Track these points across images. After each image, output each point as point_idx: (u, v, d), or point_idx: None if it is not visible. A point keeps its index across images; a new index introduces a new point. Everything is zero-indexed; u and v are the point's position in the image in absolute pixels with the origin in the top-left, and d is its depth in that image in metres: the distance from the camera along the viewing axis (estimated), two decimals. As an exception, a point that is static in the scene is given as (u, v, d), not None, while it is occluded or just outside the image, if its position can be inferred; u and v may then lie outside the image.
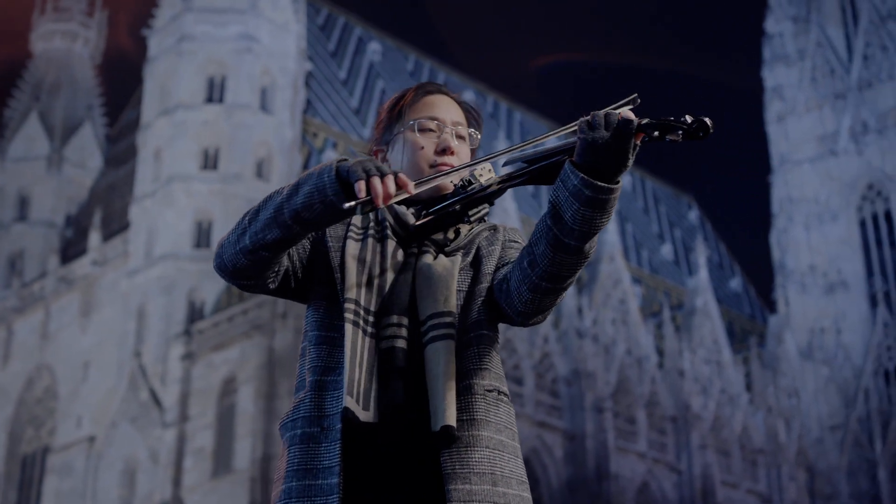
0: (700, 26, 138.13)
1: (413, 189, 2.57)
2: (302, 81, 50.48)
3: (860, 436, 58.12)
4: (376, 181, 2.52)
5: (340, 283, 2.74)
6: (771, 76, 67.99)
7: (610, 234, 52.01)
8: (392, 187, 2.52)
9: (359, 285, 2.73)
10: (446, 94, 2.99)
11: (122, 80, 50.63)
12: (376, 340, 2.71)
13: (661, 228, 69.12)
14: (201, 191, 45.48)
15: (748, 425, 52.79)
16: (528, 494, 2.70)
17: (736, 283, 70.94)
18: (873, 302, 62.14)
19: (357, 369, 2.65)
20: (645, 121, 2.48)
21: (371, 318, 2.72)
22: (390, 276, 2.77)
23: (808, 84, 67.08)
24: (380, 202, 2.51)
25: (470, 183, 2.79)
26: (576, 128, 2.54)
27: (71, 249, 52.39)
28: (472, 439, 2.64)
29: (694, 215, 74.21)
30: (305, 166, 49.54)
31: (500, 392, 2.74)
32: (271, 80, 48.26)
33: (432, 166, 2.88)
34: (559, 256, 2.56)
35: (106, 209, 51.70)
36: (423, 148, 2.89)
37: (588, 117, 2.50)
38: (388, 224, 2.84)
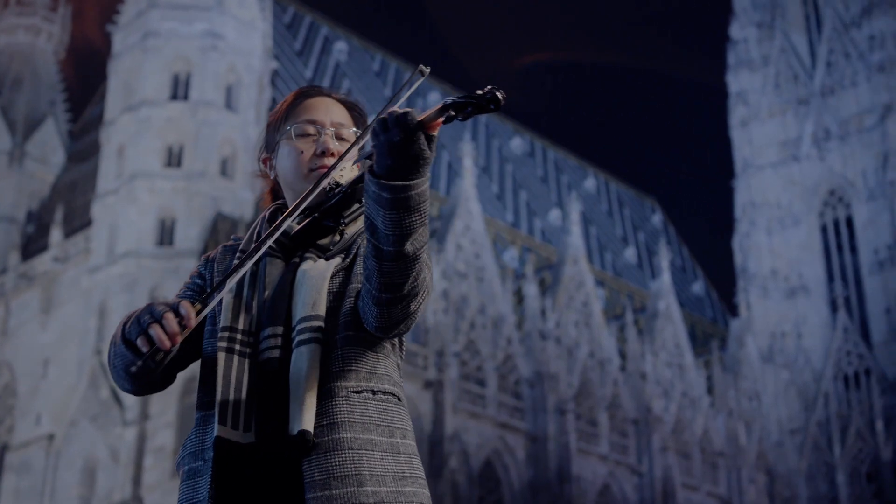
0: (668, 26, 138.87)
1: (193, 323, 2.54)
2: (268, 80, 50.30)
3: (819, 439, 58.61)
4: (155, 330, 2.51)
5: (220, 318, 2.75)
6: (735, 81, 68.46)
7: (574, 237, 52.18)
8: (174, 325, 2.51)
9: (235, 311, 2.73)
10: (328, 95, 2.97)
11: (92, 73, 50.31)
12: (255, 357, 2.70)
13: (624, 232, 69.40)
14: (165, 188, 45.22)
15: (709, 428, 53.10)
16: (412, 488, 2.64)
17: (698, 287, 71.33)
18: (833, 307, 62.67)
19: (233, 393, 2.64)
20: (440, 105, 2.44)
21: (250, 339, 2.71)
22: (269, 292, 2.75)
23: (771, 89, 67.59)
24: (167, 345, 2.50)
25: (338, 185, 2.77)
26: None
27: (32, 245, 51.93)
28: (332, 443, 2.61)
29: (657, 219, 74.57)
30: (270, 165, 49.28)
31: (373, 392, 2.69)
32: (237, 78, 48.05)
33: (312, 170, 2.87)
34: (384, 265, 2.52)
35: (68, 205, 51.30)
36: (302, 152, 2.89)
37: (377, 121, 2.47)
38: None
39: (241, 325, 2.71)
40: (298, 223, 2.79)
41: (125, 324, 2.67)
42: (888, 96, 63.11)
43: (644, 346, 51.70)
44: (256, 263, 2.78)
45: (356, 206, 2.82)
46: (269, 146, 3.01)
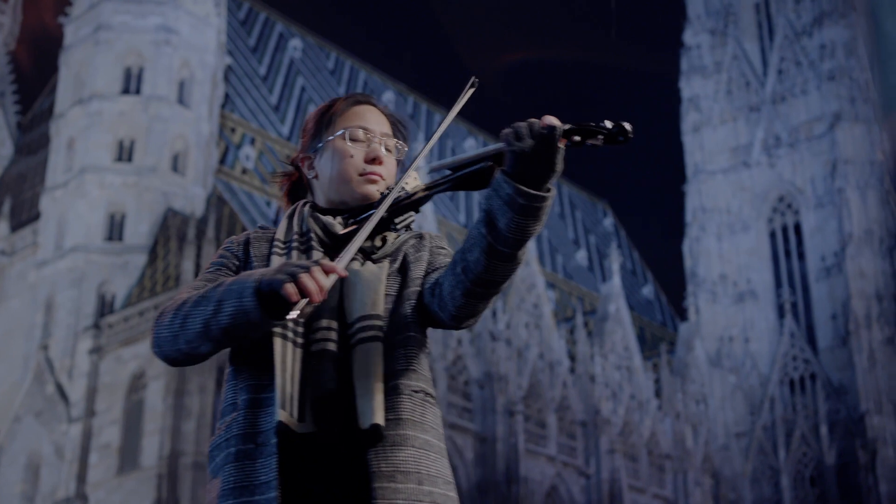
0: (622, 26, 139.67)
1: (343, 271, 2.57)
2: (221, 76, 50.04)
3: (765, 443, 59.20)
4: (305, 279, 2.52)
5: None
6: (688, 87, 68.98)
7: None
8: (323, 279, 2.53)
9: None
10: (375, 105, 3.03)
11: (48, 62, 49.66)
12: (307, 347, 2.73)
13: (576, 234, 69.70)
14: (115, 183, 44.85)
15: (656, 431, 53.46)
16: (454, 494, 2.74)
17: (648, 291, 71.79)
18: (781, 312, 63.30)
19: (289, 382, 2.67)
20: (567, 126, 2.52)
21: (300, 328, 2.73)
22: None
23: (723, 96, 68.18)
24: (317, 298, 2.51)
25: (391, 192, 2.82)
26: (500, 145, 2.58)
27: (-22, 238, 51.27)
28: (398, 438, 2.68)
29: (609, 222, 74.96)
30: (222, 161, 49.12)
31: (426, 393, 2.79)
32: (190, 74, 47.75)
33: (361, 175, 2.92)
34: (493, 263, 2.60)
35: (15, 198, 50.73)
36: (352, 156, 2.93)
37: (511, 129, 2.53)
38: (312, 235, 2.86)
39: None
40: (343, 226, 2.86)
41: (215, 288, 2.66)
42: (837, 105, 63.84)
43: (593, 348, 51.95)
44: (306, 254, 2.83)
45: (409, 214, 2.88)
46: (311, 146, 3.02)
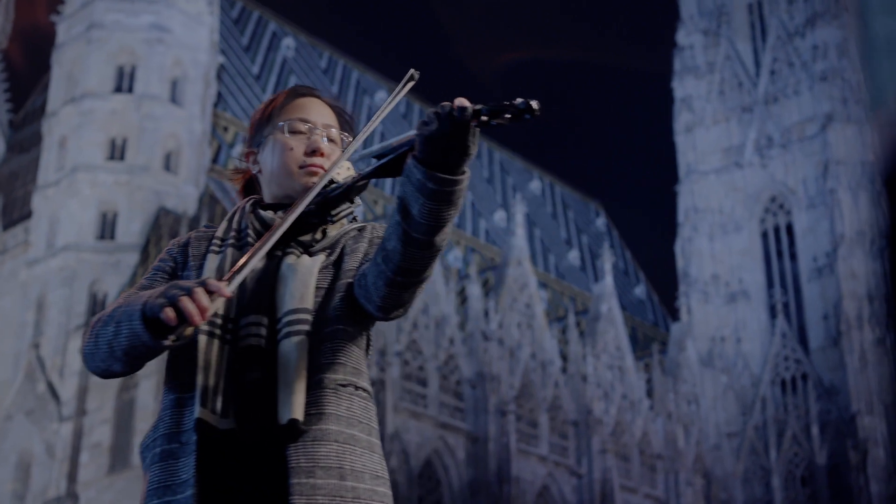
0: (618, 26, 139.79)
1: (228, 292, 2.56)
2: (214, 74, 49.96)
3: (756, 443, 59.28)
4: (185, 302, 2.50)
5: None
6: (681, 87, 69.04)
7: (518, 238, 52.34)
8: (205, 301, 2.51)
9: None
10: (318, 97, 3.01)
11: (42, 60, 49.55)
12: (235, 343, 2.72)
13: (568, 234, 69.73)
14: (107, 182, 44.79)
15: (648, 431, 53.51)
16: (384, 489, 2.71)
17: (640, 291, 71.84)
18: (773, 312, 63.40)
19: (212, 378, 2.66)
20: (478, 106, 2.49)
21: (230, 325, 2.73)
22: (251, 282, 2.78)
23: (716, 96, 68.26)
24: (197, 320, 2.49)
25: (331, 183, 2.83)
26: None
27: (-30, 237, 51.19)
28: (319, 433, 2.65)
29: (601, 222, 75.01)
30: (215, 160, 49.07)
31: (356, 387, 2.76)
32: (182, 72, 47.70)
33: (301, 167, 2.90)
34: (410, 251, 2.58)
35: (7, 197, 50.65)
36: (292, 149, 2.91)
37: (426, 115, 2.52)
38: (249, 231, 2.86)
39: (220, 311, 2.72)
40: (282, 219, 2.83)
41: (122, 306, 2.67)
42: (830, 106, 63.94)
43: (585, 348, 51.98)
44: (241, 251, 2.83)
45: (345, 205, 2.88)
46: (255, 141, 3.01)
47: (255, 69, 57.55)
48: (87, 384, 41.50)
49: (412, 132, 2.61)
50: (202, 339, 2.68)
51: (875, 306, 59.64)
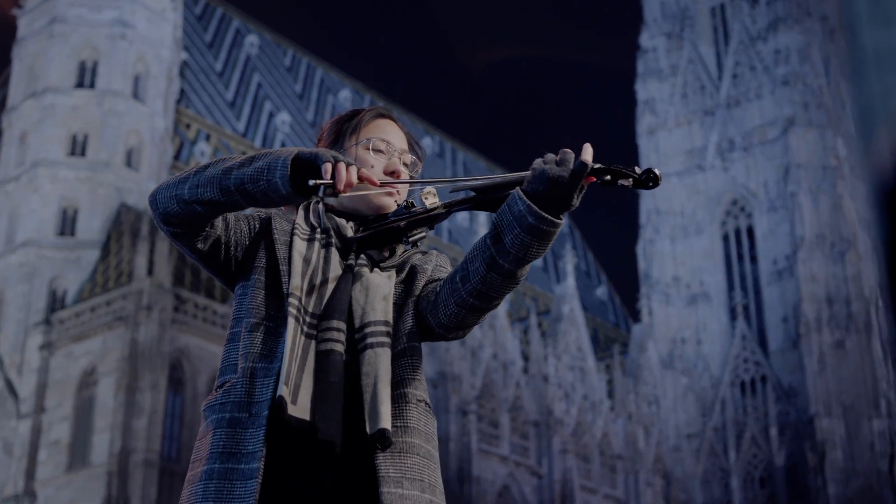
0: (581, 21, 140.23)
1: (376, 180, 2.74)
2: (177, 71, 49.72)
3: (715, 444, 59.69)
4: (342, 167, 2.63)
5: (286, 276, 2.80)
6: (644, 89, 69.37)
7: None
8: (354, 177, 2.65)
9: (302, 285, 2.79)
10: (395, 121, 3.11)
11: (1, 54, 49.09)
12: (315, 343, 2.75)
13: (531, 235, 69.81)
14: (68, 177, 44.46)
15: (608, 431, 53.74)
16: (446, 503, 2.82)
17: (602, 292, 72.13)
18: (733, 314, 63.84)
19: (293, 363, 2.68)
20: (598, 165, 2.58)
21: (310, 320, 2.76)
22: (331, 283, 2.82)
23: (679, 99, 68.64)
24: (341, 187, 2.62)
25: (413, 205, 2.89)
26: (527, 173, 2.64)
27: (-73, 232, 50.60)
28: (405, 445, 2.73)
29: (563, 223, 75.20)
30: (177, 157, 48.81)
31: (427, 403, 2.86)
32: (145, 68, 47.42)
33: (379, 184, 2.96)
34: (491, 276, 2.67)
35: (-34, 192, 50.14)
36: (372, 167, 2.98)
37: (545, 156, 2.61)
38: (332, 234, 2.90)
39: (303, 302, 2.75)
40: (355, 232, 2.91)
41: (253, 159, 2.71)
42: (791, 110, 64.45)
43: (547, 349, 52.13)
44: (328, 251, 2.87)
45: (423, 229, 2.93)
46: (333, 149, 3.06)
47: (219, 66, 57.29)
48: (45, 381, 41.16)
49: (520, 174, 2.69)
50: (291, 321, 2.71)
51: (834, 309, 60.20)
